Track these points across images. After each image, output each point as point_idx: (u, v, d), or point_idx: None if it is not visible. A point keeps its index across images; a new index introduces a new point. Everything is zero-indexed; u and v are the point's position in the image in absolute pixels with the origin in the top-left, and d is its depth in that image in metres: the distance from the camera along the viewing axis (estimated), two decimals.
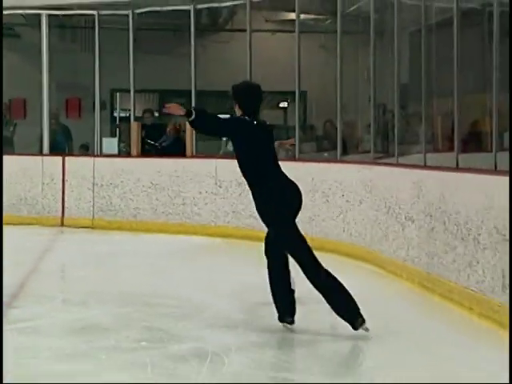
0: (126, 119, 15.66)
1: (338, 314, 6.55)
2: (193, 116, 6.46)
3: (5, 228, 13.51)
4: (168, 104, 6.68)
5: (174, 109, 6.60)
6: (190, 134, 13.92)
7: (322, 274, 6.61)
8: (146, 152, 14.39)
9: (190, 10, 14.21)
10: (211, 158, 13.35)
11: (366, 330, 6.45)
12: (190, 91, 13.95)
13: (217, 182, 12.94)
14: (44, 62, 15.32)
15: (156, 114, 17.15)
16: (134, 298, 8.15)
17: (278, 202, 6.68)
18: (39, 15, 15.50)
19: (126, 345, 6.39)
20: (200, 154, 13.86)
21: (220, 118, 6.81)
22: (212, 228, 12.91)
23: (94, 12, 14.89)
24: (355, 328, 6.44)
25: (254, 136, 6.77)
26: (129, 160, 14.33)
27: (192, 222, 13.20)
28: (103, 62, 14.73)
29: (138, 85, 14.72)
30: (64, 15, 15.58)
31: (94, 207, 14.00)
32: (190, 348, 6.29)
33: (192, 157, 13.88)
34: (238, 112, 6.84)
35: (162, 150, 14.45)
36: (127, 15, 14.66)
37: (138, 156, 14.36)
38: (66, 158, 14.47)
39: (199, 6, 14.44)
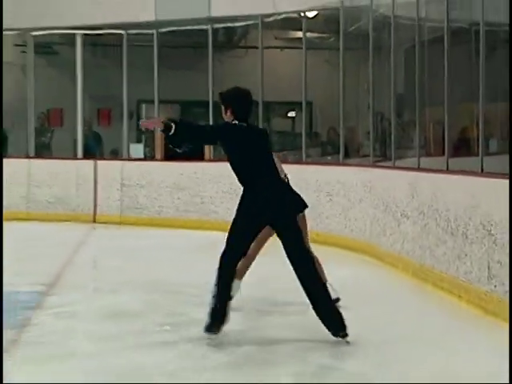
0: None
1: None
2: (172, 130, 5.75)
3: (43, 224, 13.61)
4: (144, 120, 5.97)
5: (152, 124, 6.04)
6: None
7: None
8: (168, 156, 14.40)
9: (208, 29, 14.24)
10: (227, 161, 13.31)
11: None
12: (208, 102, 13.97)
13: (232, 182, 12.91)
14: (78, 76, 15.37)
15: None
16: (160, 287, 8.16)
17: (253, 210, 6.10)
18: (74, 34, 15.56)
19: (152, 328, 6.41)
20: (217, 157, 13.88)
21: (206, 125, 6.27)
22: (228, 224, 12.87)
23: (123, 31, 14.94)
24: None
25: (245, 140, 6.06)
26: (153, 163, 14.34)
27: (210, 218, 13.20)
28: (131, 76, 14.74)
29: (162, 96, 14.74)
30: (96, 34, 15.62)
31: (122, 205, 14.01)
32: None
33: (210, 160, 13.89)
34: (229, 118, 6.07)
35: (184, 154, 14.43)
36: (152, 34, 14.69)
37: (161, 160, 14.37)
38: (98, 161, 14.50)
39: (216, 26, 14.45)
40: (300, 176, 11.86)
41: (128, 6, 15.35)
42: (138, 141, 15.81)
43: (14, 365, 5.41)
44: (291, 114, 17.20)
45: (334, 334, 5.85)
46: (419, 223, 8.51)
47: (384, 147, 11.34)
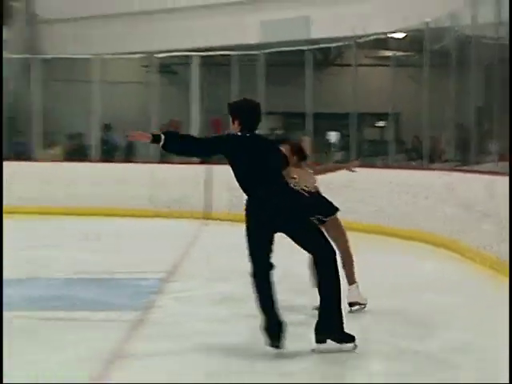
0: None
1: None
2: (161, 141, 5.13)
3: (165, 221, 13.76)
4: (131, 133, 5.29)
5: (139, 136, 5.26)
6: (307, 146, 13.92)
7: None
8: None
9: (306, 50, 14.24)
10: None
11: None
12: (305, 113, 14.01)
13: (329, 180, 12.78)
14: (194, 92, 15.63)
15: (279, 132, 17.39)
16: None
17: (255, 221, 5.53)
18: (191, 56, 15.82)
19: (253, 312, 6.38)
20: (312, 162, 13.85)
21: (203, 138, 5.55)
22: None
23: (232, 53, 15.06)
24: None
25: (247, 150, 5.34)
26: None
27: None
28: (238, 91, 14.84)
29: (266, 108, 14.81)
30: (209, 56, 15.80)
31: (231, 204, 14.08)
32: (305, 317, 6.25)
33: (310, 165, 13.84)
34: (236, 128, 5.36)
35: None
36: (258, 54, 14.77)
37: None
38: (211, 165, 14.60)
39: (314, 47, 14.43)
40: (388, 179, 11.79)
41: (236, 30, 15.58)
42: None
43: (138, 341, 5.52)
44: (380, 123, 17.06)
45: (317, 337, 5.20)
46: (496, 221, 8.31)
47: (464, 153, 11.13)
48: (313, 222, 5.51)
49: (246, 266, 8.80)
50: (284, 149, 6.15)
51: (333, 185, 12.58)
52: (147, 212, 14.30)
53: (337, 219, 6.69)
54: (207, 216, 14.25)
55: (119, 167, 14.87)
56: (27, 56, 16.41)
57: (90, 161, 15.40)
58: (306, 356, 5.17)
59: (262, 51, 14.65)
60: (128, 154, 16.43)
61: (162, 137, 5.15)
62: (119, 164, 15.23)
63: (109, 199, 14.34)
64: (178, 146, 5.27)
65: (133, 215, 13.99)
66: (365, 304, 6.48)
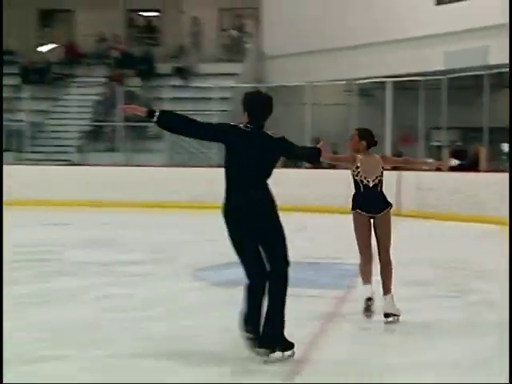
0: (438, 147, 15.43)
1: (265, 326, 4.30)
2: (155, 117, 4.16)
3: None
4: (125, 107, 4.51)
5: (134, 109, 4.30)
6: (483, 155, 13.42)
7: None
8: (450, 169, 13.81)
9: (484, 75, 13.68)
10: (497, 172, 12.65)
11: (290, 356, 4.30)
12: (483, 127, 13.40)
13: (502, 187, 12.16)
14: (388, 111, 15.52)
15: (458, 143, 16.89)
16: (443, 264, 7.90)
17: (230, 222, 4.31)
18: (385, 82, 15.69)
19: (444, 294, 6.17)
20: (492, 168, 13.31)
21: (203, 122, 4.31)
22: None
23: (420, 78, 14.74)
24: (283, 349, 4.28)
25: (239, 144, 4.27)
26: (438, 173, 13.63)
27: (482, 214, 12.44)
28: (425, 109, 14.48)
29: (448, 124, 14.39)
30: (400, 81, 15.57)
31: (419, 203, 13.58)
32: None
33: (486, 171, 13.22)
34: (245, 120, 4.36)
35: (462, 166, 14.00)
36: (441, 79, 14.34)
37: (446, 170, 13.82)
38: (400, 172, 13.99)
39: (490, 72, 13.83)
40: None
41: (424, 60, 15.27)
42: (430, 156, 15.47)
43: (337, 316, 5.47)
44: None
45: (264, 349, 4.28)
46: None
47: None
48: (282, 231, 4.45)
49: (431, 254, 8.59)
50: (353, 135, 5.40)
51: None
52: (342, 209, 14.16)
53: (386, 216, 5.34)
54: (398, 213, 13.87)
55: (322, 172, 14.85)
56: (255, 85, 17.04)
57: (299, 167, 15.59)
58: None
59: (446, 76, 14.21)
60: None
61: (156, 113, 4.18)
62: (323, 170, 15.25)
63: (314, 198, 14.46)
64: (172, 123, 4.26)
65: (330, 211, 13.89)
66: (398, 315, 5.21)
